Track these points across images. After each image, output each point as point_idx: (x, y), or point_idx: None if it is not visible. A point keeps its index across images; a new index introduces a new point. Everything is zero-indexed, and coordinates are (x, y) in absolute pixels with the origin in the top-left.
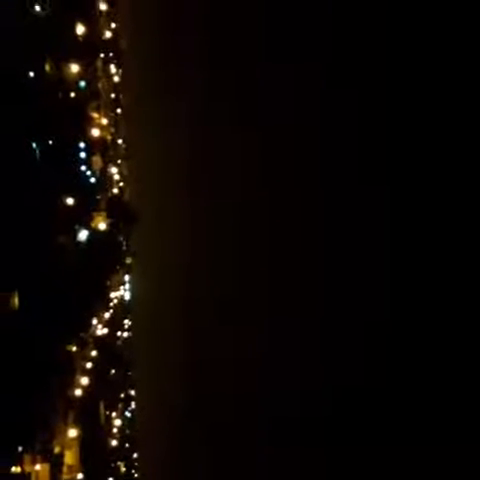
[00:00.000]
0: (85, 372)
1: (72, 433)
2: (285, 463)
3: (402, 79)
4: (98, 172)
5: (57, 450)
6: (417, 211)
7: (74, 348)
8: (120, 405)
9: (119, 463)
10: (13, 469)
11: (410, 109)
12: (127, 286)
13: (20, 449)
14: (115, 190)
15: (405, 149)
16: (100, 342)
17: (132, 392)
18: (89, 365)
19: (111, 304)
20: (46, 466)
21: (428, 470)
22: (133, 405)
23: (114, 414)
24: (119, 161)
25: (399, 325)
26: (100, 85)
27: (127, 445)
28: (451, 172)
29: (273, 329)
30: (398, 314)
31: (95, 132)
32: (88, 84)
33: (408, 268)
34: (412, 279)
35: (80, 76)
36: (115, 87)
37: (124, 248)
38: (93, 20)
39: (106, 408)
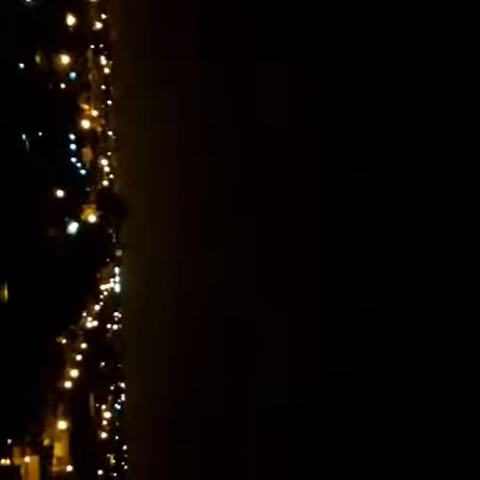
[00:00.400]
0: (75, 364)
1: (62, 425)
2: (277, 452)
3: (394, 68)
4: (88, 164)
5: (47, 442)
6: (409, 200)
7: (64, 340)
8: (110, 397)
9: (109, 455)
10: (2, 462)
11: (402, 98)
12: (117, 279)
13: (9, 441)
14: (105, 182)
15: (397, 137)
16: (90, 335)
17: (122, 384)
18: (79, 357)
19: (101, 297)
20: (35, 458)
21: (420, 459)
22: (123, 397)
23: (104, 406)
24: (109, 153)
25: (391, 314)
26: (90, 76)
27: (117, 437)
28: (444, 160)
29: (264, 319)
30: (390, 303)
31: (85, 124)
32: (78, 75)
33: (400, 256)
34: (404, 267)
35: (70, 67)
36: (106, 78)
37: (114, 240)
38: (84, 11)
39: (96, 400)
